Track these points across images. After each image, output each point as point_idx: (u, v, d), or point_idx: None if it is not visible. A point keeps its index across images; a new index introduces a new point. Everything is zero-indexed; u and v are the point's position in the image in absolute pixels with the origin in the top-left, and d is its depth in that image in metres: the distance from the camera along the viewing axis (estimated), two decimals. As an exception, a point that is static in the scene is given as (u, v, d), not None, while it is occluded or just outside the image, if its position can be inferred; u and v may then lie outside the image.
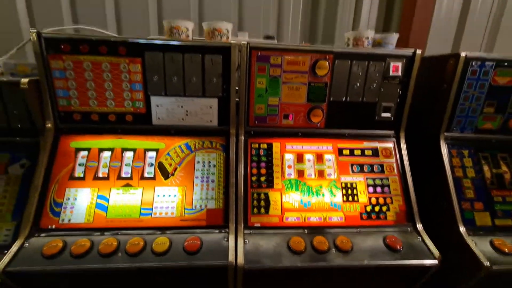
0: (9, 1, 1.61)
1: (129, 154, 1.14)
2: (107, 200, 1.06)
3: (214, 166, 1.16)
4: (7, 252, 0.94)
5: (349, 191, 1.17)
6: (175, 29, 1.14)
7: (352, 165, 1.21)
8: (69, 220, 1.02)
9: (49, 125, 1.11)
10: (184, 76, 1.13)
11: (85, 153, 1.12)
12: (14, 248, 0.93)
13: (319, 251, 0.99)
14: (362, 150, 1.25)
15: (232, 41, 1.12)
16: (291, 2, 1.90)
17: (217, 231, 1.05)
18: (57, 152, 1.11)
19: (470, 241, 1.08)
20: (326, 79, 1.19)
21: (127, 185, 1.09)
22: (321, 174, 1.19)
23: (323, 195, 1.15)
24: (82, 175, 1.09)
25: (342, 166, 1.21)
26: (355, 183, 1.18)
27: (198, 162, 1.16)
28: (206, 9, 1.86)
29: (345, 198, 1.15)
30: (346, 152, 1.24)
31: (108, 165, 1.11)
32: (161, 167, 1.13)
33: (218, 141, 1.20)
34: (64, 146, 1.12)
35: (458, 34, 2.06)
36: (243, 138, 1.20)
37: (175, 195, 1.09)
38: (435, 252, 1.03)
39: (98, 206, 1.05)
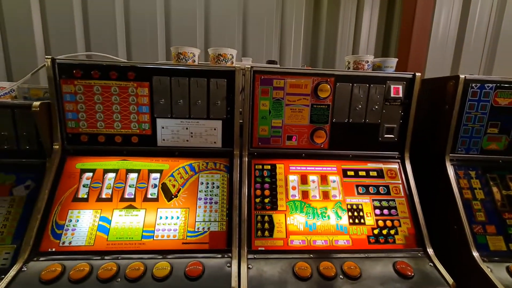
0: (27, 30, 1.71)
1: (133, 175, 1.14)
2: (109, 222, 1.05)
3: (218, 187, 1.15)
4: (4, 277, 0.92)
5: (355, 213, 1.14)
6: (182, 54, 1.19)
7: (357, 186, 1.20)
8: (70, 243, 1.00)
9: (56, 146, 1.13)
10: (190, 99, 1.16)
11: (90, 174, 1.13)
12: (12, 272, 0.91)
13: (326, 277, 0.95)
14: (367, 171, 1.24)
15: (236, 66, 1.16)
16: (292, 28, 1.99)
17: (219, 255, 1.01)
18: (62, 173, 1.12)
19: (485, 267, 1.02)
20: (328, 101, 1.21)
21: (130, 206, 1.08)
22: (326, 195, 1.17)
23: (328, 217, 1.12)
24: (85, 196, 1.09)
25: (347, 187, 1.19)
26: (361, 205, 1.16)
27: (202, 183, 1.15)
28: (212, 37, 1.96)
29: (351, 220, 1.12)
30: (351, 173, 1.23)
31: (112, 186, 1.11)
32: (164, 188, 1.13)
33: (222, 162, 1.20)
34: (70, 167, 1.14)
35: (456, 57, 2.12)
36: (246, 159, 1.20)
37: (177, 217, 1.08)
38: (449, 279, 0.97)
39: (100, 228, 1.03)
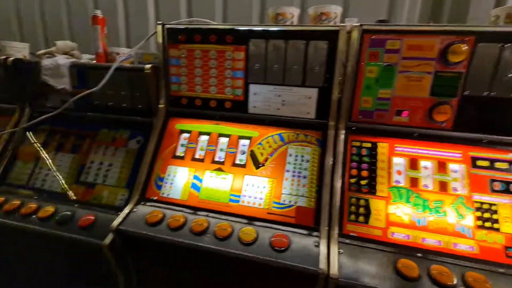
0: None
1: (224, 140, 1.16)
2: (201, 181, 1.10)
3: (308, 161, 1.06)
4: (120, 213, 1.08)
5: (486, 215, 0.87)
6: (280, 15, 1.11)
7: (492, 181, 0.91)
8: (168, 194, 1.10)
9: (162, 106, 1.24)
10: (286, 64, 1.07)
11: (187, 135, 1.20)
12: (126, 211, 1.06)
13: (441, 284, 0.76)
14: (510, 163, 0.93)
15: (340, 25, 1.01)
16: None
17: (306, 232, 0.94)
18: (165, 132, 1.22)
19: None
20: (461, 68, 0.93)
21: (219, 169, 1.11)
22: (443, 186, 0.93)
23: (444, 213, 0.90)
24: (182, 154, 1.16)
25: (476, 181, 0.92)
26: (497, 206, 0.88)
27: (291, 155, 1.08)
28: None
29: (479, 222, 0.87)
30: (484, 163, 0.94)
31: (205, 148, 1.16)
32: (252, 155, 1.11)
33: (314, 135, 1.09)
34: (171, 127, 1.23)
35: None
36: (343, 134, 1.06)
37: (264, 186, 1.05)
38: None
39: (193, 185, 1.10)
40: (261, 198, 1.03)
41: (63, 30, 2.03)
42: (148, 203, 1.09)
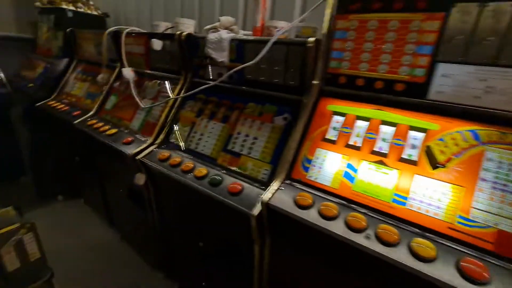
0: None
1: (388, 129, 0.99)
2: (356, 171, 0.97)
3: (521, 172, 0.77)
4: (264, 188, 1.09)
5: None
6: (509, -32, 0.80)
7: None
8: (316, 178, 1.03)
9: (315, 85, 1.16)
10: (508, 36, 0.78)
11: (340, 118, 1.08)
12: (274, 187, 1.05)
13: None
14: None
15: None
16: None
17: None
18: (315, 112, 1.14)
19: None
20: None
21: (380, 162, 0.95)
22: None
23: None
24: (334, 139, 1.06)
25: None
26: None
27: (490, 160, 0.81)
28: None
29: None
30: None
31: (362, 135, 1.02)
32: (428, 152, 0.90)
33: (535, 138, 0.79)
34: (322, 107, 1.14)
35: None
36: None
37: (443, 193, 0.83)
38: None
39: (345, 174, 0.99)
40: (439, 207, 0.82)
41: (215, 7, 2.22)
42: (294, 184, 1.05)
